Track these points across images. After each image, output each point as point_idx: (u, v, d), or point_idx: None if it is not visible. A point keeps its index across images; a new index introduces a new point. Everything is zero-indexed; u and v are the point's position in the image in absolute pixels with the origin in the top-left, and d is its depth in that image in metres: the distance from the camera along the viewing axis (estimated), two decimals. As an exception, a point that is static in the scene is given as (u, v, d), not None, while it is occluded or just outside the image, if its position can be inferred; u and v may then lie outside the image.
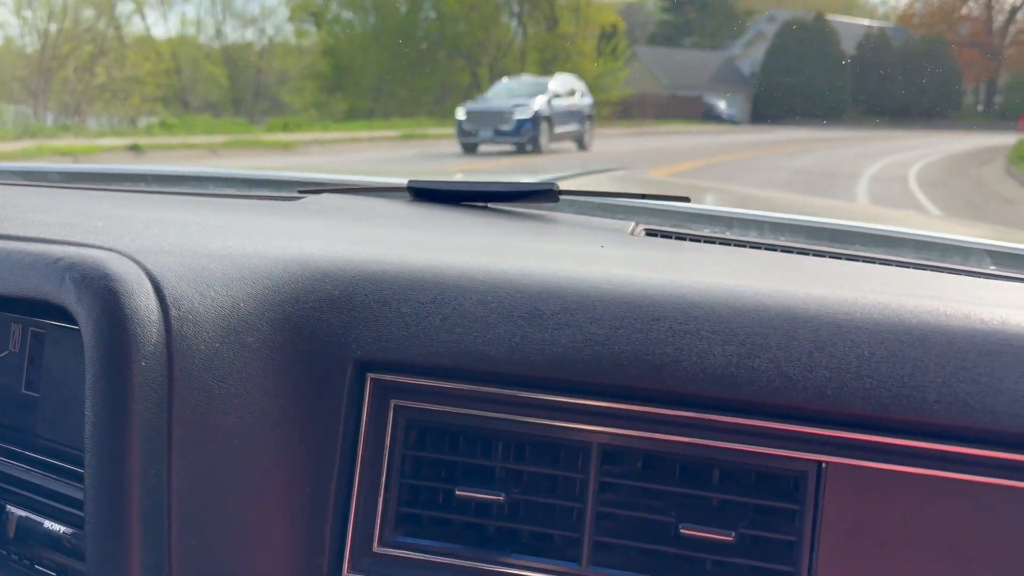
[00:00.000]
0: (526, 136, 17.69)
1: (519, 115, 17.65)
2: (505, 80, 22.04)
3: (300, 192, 1.40)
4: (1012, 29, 51.17)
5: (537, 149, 17.76)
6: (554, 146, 18.34)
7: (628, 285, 0.82)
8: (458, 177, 2.18)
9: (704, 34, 43.42)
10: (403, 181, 1.37)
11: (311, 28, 31.07)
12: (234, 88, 28.78)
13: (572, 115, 19.20)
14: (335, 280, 0.83)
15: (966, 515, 0.73)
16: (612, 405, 0.78)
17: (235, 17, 31.05)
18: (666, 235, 1.25)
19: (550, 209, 1.35)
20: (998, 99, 49.01)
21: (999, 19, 50.83)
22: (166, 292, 0.76)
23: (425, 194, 1.35)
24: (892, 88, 37.94)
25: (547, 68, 29.78)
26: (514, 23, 31.15)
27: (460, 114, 18.16)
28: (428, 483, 0.83)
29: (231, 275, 0.81)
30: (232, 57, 29.01)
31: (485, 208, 1.32)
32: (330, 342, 0.81)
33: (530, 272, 0.85)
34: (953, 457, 0.73)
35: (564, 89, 19.44)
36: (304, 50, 30.19)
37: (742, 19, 43.22)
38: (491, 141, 17.74)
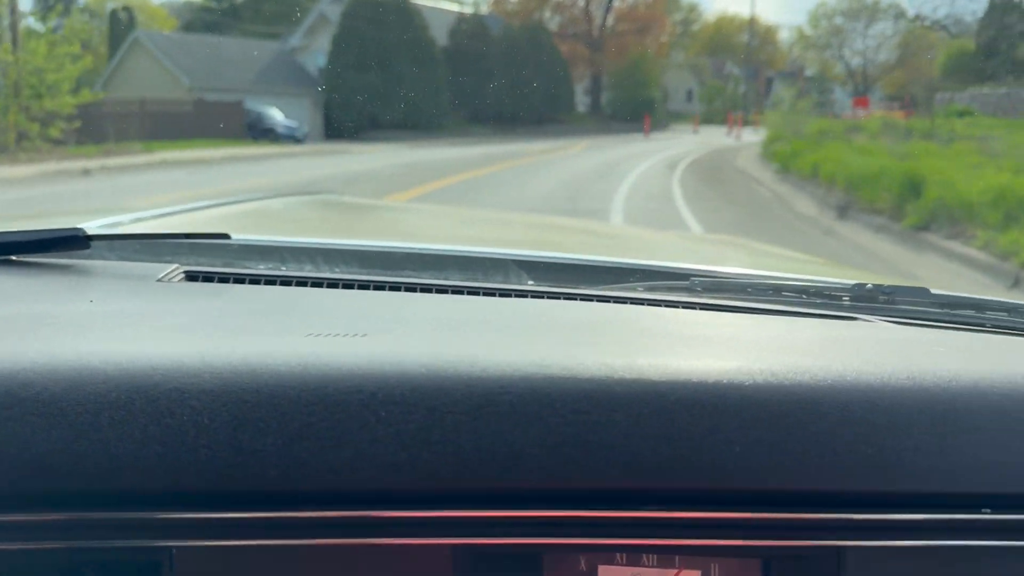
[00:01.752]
0: None
1: None
2: None
3: None
4: (611, 19, 47.55)
5: None
6: None
7: None
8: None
9: (259, 22, 33.50)
10: None
11: None
12: None
13: None
14: None
15: None
16: None
17: None
18: (208, 277, 1.20)
19: (86, 257, 1.25)
20: (605, 96, 44.95)
21: (595, 7, 46.81)
22: None
23: None
24: (498, 87, 31.14)
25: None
26: None
27: None
28: None
29: None
30: None
31: (9, 262, 1.21)
32: None
33: None
34: (371, 522, 0.70)
35: None
36: None
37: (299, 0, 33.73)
38: None
